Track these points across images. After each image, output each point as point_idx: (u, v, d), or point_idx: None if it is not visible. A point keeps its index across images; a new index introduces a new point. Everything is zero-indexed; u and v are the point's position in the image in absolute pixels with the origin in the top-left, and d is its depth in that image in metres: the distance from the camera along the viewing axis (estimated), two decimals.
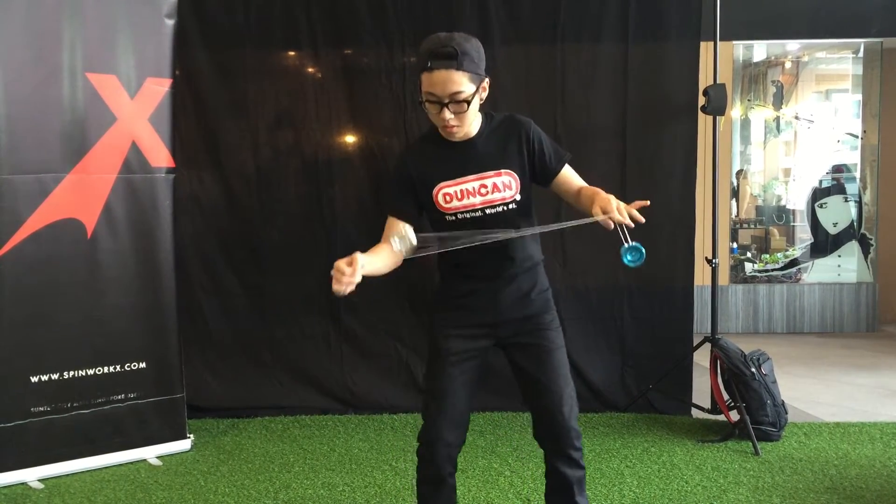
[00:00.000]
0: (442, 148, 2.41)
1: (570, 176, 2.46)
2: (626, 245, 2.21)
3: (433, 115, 2.32)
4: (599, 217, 2.19)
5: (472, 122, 2.37)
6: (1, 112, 3.39)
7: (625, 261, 2.23)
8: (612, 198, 2.21)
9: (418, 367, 4.54)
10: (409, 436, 4.18)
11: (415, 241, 2.27)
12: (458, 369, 2.46)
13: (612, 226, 2.18)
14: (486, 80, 2.34)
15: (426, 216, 2.45)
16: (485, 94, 2.36)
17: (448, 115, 2.28)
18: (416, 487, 2.61)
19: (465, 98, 2.26)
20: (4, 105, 3.40)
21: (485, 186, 2.37)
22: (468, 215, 2.38)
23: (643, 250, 2.22)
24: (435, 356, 2.50)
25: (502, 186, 2.38)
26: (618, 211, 2.18)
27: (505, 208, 2.39)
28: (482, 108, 2.41)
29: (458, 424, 2.49)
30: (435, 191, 2.38)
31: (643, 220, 2.19)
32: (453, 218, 2.39)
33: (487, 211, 2.38)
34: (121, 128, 3.69)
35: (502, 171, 2.38)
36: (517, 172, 2.39)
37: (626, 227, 2.19)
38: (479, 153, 2.40)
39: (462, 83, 2.25)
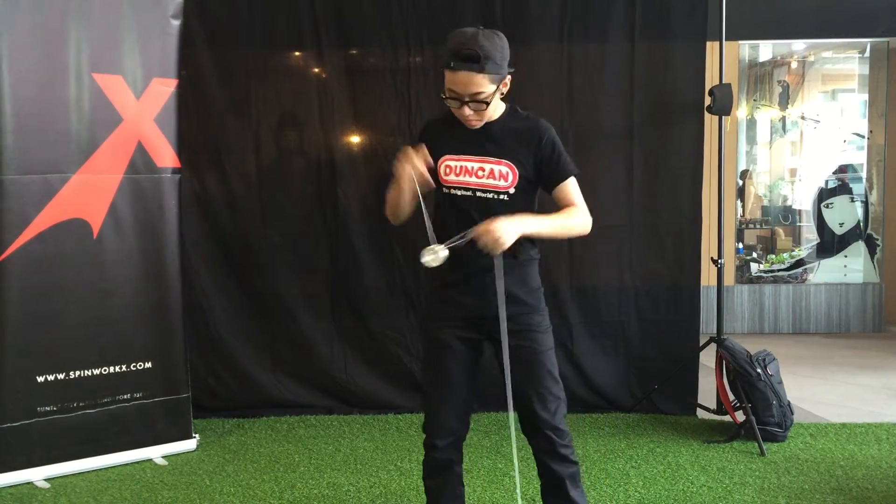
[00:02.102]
0: (458, 124, 2.47)
1: (566, 193, 2.48)
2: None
3: (454, 110, 2.40)
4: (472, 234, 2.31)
5: (492, 114, 2.44)
6: (8, 112, 3.40)
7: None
8: (497, 228, 2.27)
9: (421, 366, 4.52)
10: (415, 436, 4.18)
11: (446, 255, 2.34)
12: (454, 360, 2.51)
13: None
14: (509, 76, 2.40)
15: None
16: (506, 89, 2.42)
17: (468, 111, 2.37)
18: (423, 484, 2.63)
19: (485, 98, 2.34)
20: (11, 105, 3.41)
21: (482, 170, 2.44)
22: (459, 192, 2.45)
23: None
24: (430, 348, 2.58)
25: (498, 175, 2.43)
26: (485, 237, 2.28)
27: (496, 196, 2.44)
28: (507, 100, 2.49)
29: (460, 412, 2.56)
30: (440, 160, 2.47)
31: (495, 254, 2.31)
32: (447, 191, 2.47)
33: (478, 193, 2.44)
34: (127, 128, 3.70)
35: (504, 160, 2.43)
36: (518, 168, 2.43)
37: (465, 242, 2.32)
38: (489, 138, 2.45)
39: (483, 85, 2.31)
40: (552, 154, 2.45)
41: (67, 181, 3.57)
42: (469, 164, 2.46)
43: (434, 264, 2.33)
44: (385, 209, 2.57)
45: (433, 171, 2.45)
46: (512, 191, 2.44)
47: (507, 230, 2.28)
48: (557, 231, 2.44)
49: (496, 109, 2.46)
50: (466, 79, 2.30)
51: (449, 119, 2.51)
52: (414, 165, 2.38)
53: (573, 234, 2.48)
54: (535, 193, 2.52)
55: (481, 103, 2.35)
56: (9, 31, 3.39)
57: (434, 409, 2.55)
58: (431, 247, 2.34)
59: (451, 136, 2.49)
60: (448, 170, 2.47)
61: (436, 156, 2.46)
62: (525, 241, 2.47)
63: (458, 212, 2.45)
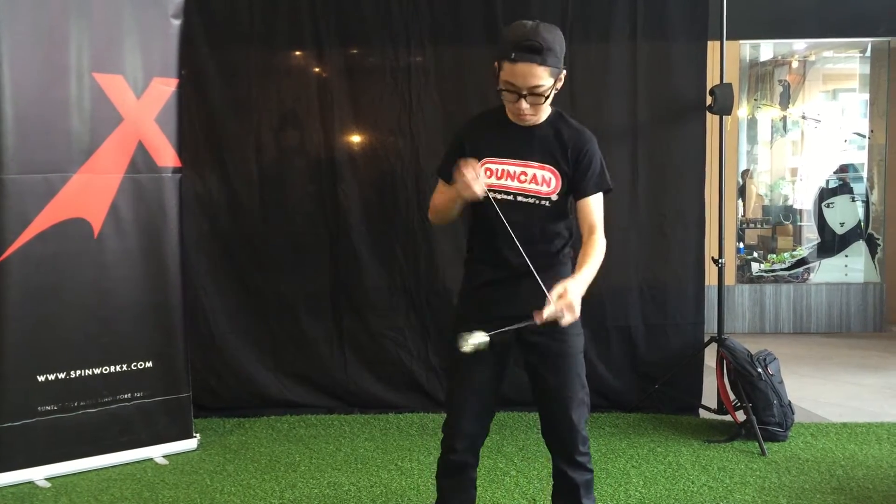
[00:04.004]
0: (502, 125, 2.44)
1: (590, 207, 2.45)
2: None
3: (509, 104, 2.36)
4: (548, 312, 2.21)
5: (542, 113, 2.42)
6: (8, 112, 3.40)
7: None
8: (572, 298, 2.22)
9: (422, 366, 4.54)
10: (415, 435, 4.18)
11: (486, 342, 2.26)
12: (484, 365, 2.45)
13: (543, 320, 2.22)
14: (564, 71, 2.37)
15: None
16: (561, 85, 2.38)
17: (525, 105, 2.32)
18: (436, 482, 2.62)
19: (544, 92, 2.30)
20: (12, 105, 3.41)
21: (525, 174, 2.41)
22: (500, 195, 2.40)
23: None
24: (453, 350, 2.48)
25: (541, 181, 2.40)
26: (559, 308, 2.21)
27: (537, 202, 2.41)
28: (555, 103, 2.46)
29: (482, 418, 2.54)
30: (481, 162, 2.40)
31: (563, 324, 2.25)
32: (488, 194, 2.39)
33: (519, 198, 2.41)
34: (127, 128, 3.70)
35: (547, 165, 2.41)
36: (561, 175, 2.42)
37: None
38: (533, 142, 2.42)
39: (543, 77, 2.28)
40: (588, 163, 2.43)
41: (68, 181, 3.57)
42: (511, 168, 2.41)
43: (468, 350, 2.24)
44: (430, 212, 2.59)
45: None
46: (554, 197, 2.42)
47: (577, 297, 2.22)
48: (593, 274, 2.40)
49: (545, 110, 2.43)
50: (527, 70, 2.25)
51: (490, 118, 2.48)
52: (479, 182, 2.31)
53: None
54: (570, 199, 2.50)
55: (539, 97, 2.30)
56: (9, 31, 3.39)
57: (456, 412, 2.52)
58: (476, 335, 2.24)
59: (493, 136, 2.44)
60: (489, 172, 2.41)
61: (476, 157, 2.40)
62: (557, 238, 2.48)
63: (494, 216, 2.40)
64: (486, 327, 2.32)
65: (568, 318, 2.21)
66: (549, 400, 2.48)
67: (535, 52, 2.24)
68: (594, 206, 2.45)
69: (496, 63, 2.33)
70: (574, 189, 2.44)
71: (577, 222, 2.49)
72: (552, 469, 2.56)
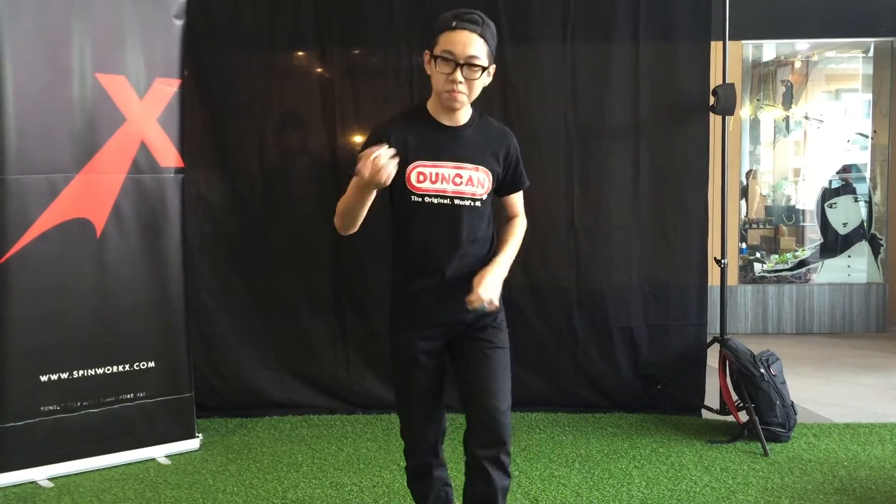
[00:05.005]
0: (428, 126, 2.40)
1: (516, 200, 2.56)
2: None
3: (442, 77, 2.30)
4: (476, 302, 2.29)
5: (471, 98, 2.37)
6: (11, 112, 3.41)
7: None
8: (491, 289, 2.31)
9: None
10: None
11: None
12: (425, 371, 2.49)
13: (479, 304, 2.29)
14: (494, 66, 2.38)
15: (390, 190, 2.38)
16: (489, 79, 2.38)
17: (459, 77, 2.28)
18: (409, 489, 2.67)
19: (480, 65, 2.29)
20: (14, 105, 3.41)
21: (460, 177, 2.38)
22: (436, 200, 2.37)
23: None
24: (399, 360, 2.53)
25: (476, 182, 2.39)
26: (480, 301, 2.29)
27: (472, 203, 2.40)
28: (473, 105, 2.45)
29: (434, 419, 2.56)
30: (410, 167, 2.35)
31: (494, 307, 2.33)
32: (419, 199, 2.37)
33: (456, 201, 2.38)
34: (130, 128, 3.70)
35: (481, 167, 2.40)
36: (492, 175, 2.43)
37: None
38: (463, 143, 2.40)
39: (481, 51, 2.29)
40: (517, 163, 2.49)
41: (70, 181, 3.57)
42: (445, 171, 2.37)
43: None
44: (335, 219, 2.47)
45: (398, 178, 2.31)
46: (485, 197, 2.42)
47: (497, 286, 2.34)
48: (515, 254, 2.48)
49: (466, 111, 2.41)
50: (467, 38, 2.27)
51: (411, 120, 2.42)
52: (386, 169, 2.16)
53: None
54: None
55: (475, 71, 2.28)
56: (12, 32, 3.39)
57: (408, 419, 2.56)
58: None
59: (421, 138, 2.37)
60: (422, 177, 2.35)
61: (404, 161, 2.31)
62: (481, 239, 2.45)
63: (429, 221, 2.38)
64: (420, 334, 2.45)
65: (489, 309, 2.30)
66: (479, 395, 2.41)
67: (476, 24, 2.29)
68: (519, 199, 2.56)
69: (430, 46, 2.34)
70: (503, 187, 2.50)
71: (503, 214, 2.56)
72: (471, 475, 2.45)
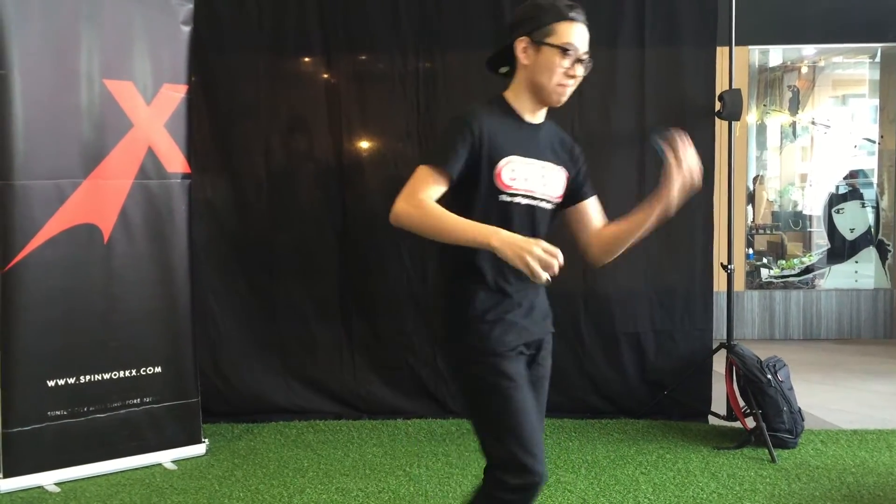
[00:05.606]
0: (515, 120, 2.19)
1: (597, 206, 2.32)
2: None
3: (557, 70, 2.11)
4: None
5: None
6: (19, 118, 3.42)
7: None
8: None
9: (431, 372, 4.54)
10: (423, 441, 4.18)
11: None
12: (525, 394, 2.13)
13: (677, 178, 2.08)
14: None
15: (466, 188, 2.11)
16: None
17: (580, 71, 2.13)
18: None
19: (588, 62, 2.15)
20: (22, 111, 3.43)
21: (544, 176, 2.19)
22: (523, 201, 2.15)
23: None
24: (502, 384, 2.10)
25: (556, 182, 2.22)
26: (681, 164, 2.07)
27: (550, 206, 2.23)
28: None
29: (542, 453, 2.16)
30: (503, 161, 2.11)
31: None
32: (507, 198, 2.13)
33: (542, 203, 2.20)
34: (137, 134, 3.71)
35: (560, 166, 2.24)
36: (568, 175, 2.26)
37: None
38: (544, 141, 2.23)
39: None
40: (586, 166, 2.30)
41: (78, 186, 3.59)
42: (536, 170, 2.17)
43: None
44: (409, 209, 2.07)
45: (486, 175, 2.10)
46: (559, 200, 2.25)
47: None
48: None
49: (544, 109, 2.25)
50: (584, 33, 2.12)
51: (497, 112, 2.18)
52: (549, 271, 1.88)
53: None
54: None
55: (586, 66, 2.13)
56: (20, 38, 3.41)
57: (524, 436, 2.09)
58: None
59: (512, 131, 2.16)
60: (514, 174, 2.12)
61: (497, 153, 2.10)
62: None
63: (517, 224, 2.12)
64: (519, 354, 2.15)
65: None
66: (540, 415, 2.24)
67: (584, 18, 2.14)
68: (599, 205, 2.33)
69: (529, 32, 2.11)
70: (573, 195, 2.29)
71: (582, 228, 2.32)
72: (490, 490, 2.14)
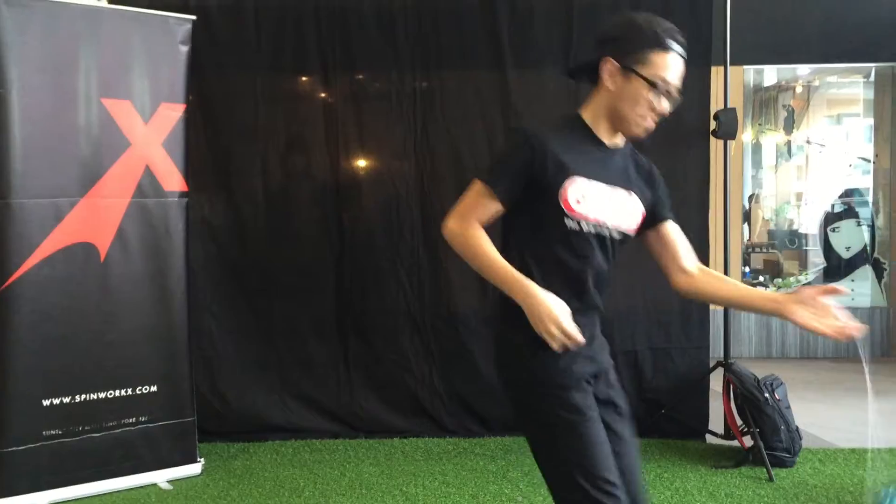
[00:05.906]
0: (589, 142, 2.00)
1: (679, 230, 2.13)
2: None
3: (642, 102, 1.95)
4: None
5: None
6: (16, 136, 3.43)
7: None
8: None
9: (427, 391, 4.53)
10: (420, 460, 4.16)
11: None
12: (597, 427, 1.95)
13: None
14: None
15: (528, 211, 1.96)
16: None
17: (667, 108, 1.97)
18: None
19: (676, 100, 1.97)
20: (20, 129, 3.44)
21: (618, 204, 2.00)
22: (593, 229, 1.95)
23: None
24: (576, 419, 1.92)
25: (630, 214, 2.03)
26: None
27: (623, 237, 2.03)
28: None
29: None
30: (567, 182, 1.91)
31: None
32: (575, 225, 1.93)
33: (613, 234, 2.00)
34: (135, 152, 3.72)
35: (636, 195, 2.04)
36: (644, 204, 2.07)
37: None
38: (621, 166, 2.05)
39: None
40: (665, 189, 2.13)
41: (75, 205, 3.59)
42: (606, 195, 1.96)
43: None
44: (460, 231, 1.97)
45: (552, 195, 1.92)
46: (633, 234, 2.05)
47: None
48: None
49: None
50: (680, 67, 1.93)
51: (567, 130, 2.01)
52: (569, 340, 1.83)
53: None
54: None
55: (675, 101, 1.97)
56: (19, 57, 3.42)
57: (600, 480, 1.90)
58: None
59: (581, 152, 1.96)
60: (580, 197, 1.92)
61: (562, 174, 1.91)
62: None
63: (579, 256, 1.95)
64: (587, 385, 1.98)
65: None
66: (629, 452, 2.04)
67: (684, 50, 1.94)
68: (679, 230, 2.13)
69: (619, 55, 1.94)
70: (657, 214, 2.11)
71: (663, 253, 2.15)
72: None
